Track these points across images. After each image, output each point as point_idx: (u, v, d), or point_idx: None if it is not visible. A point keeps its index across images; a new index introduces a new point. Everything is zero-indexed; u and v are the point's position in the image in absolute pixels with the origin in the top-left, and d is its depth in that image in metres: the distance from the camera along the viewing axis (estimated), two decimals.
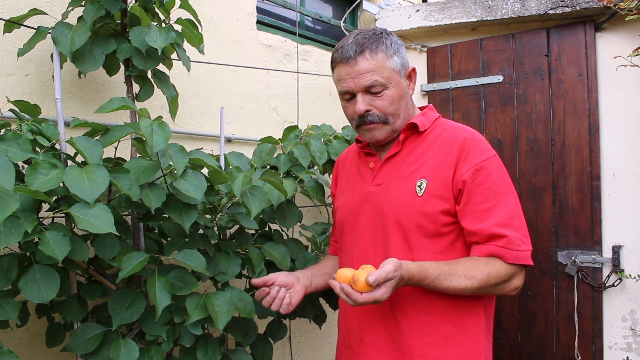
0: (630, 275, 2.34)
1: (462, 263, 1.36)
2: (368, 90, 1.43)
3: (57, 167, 1.19)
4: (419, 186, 1.42)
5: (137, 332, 1.47)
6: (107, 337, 1.40)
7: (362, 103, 1.44)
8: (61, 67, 1.59)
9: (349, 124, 2.30)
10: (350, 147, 1.80)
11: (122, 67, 1.66)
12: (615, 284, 2.41)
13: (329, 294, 1.90)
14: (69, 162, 1.36)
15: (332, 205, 1.80)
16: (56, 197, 1.29)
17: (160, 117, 1.37)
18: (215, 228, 1.69)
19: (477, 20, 2.80)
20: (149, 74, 1.68)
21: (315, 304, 1.86)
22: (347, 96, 1.48)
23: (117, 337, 1.39)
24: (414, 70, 1.52)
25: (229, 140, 2.28)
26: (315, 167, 2.02)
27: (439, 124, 1.53)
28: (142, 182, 1.32)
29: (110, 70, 1.68)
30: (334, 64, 1.49)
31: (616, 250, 2.40)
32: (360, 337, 1.51)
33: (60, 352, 1.41)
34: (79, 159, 1.32)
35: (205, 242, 1.58)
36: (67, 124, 1.50)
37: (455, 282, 1.33)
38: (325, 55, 2.87)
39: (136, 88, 1.67)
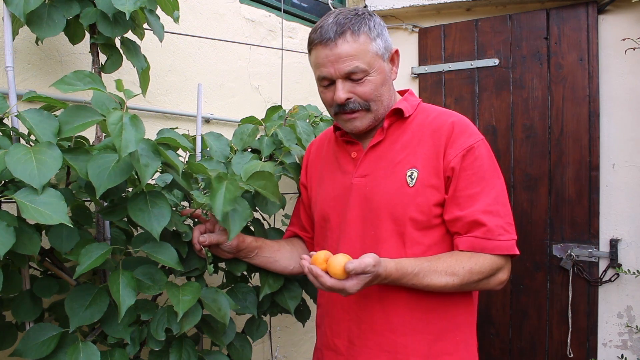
0: (628, 271, 2.25)
1: (443, 259, 1.29)
2: (348, 76, 1.31)
3: (2, 145, 1.01)
4: (410, 176, 1.33)
5: (99, 334, 1.31)
6: (65, 339, 1.22)
7: (342, 90, 1.32)
8: (16, 33, 1.41)
9: None
10: (324, 133, 1.67)
11: (88, 36, 1.48)
12: (612, 279, 2.32)
13: (311, 286, 1.76)
14: (22, 141, 1.19)
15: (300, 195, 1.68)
16: (4, 181, 1.12)
17: (129, 102, 1.19)
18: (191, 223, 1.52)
19: (473, 0, 2.65)
20: (118, 43, 1.50)
21: (296, 296, 1.70)
22: (326, 82, 1.36)
23: (75, 340, 1.22)
24: (397, 52, 1.41)
25: (207, 121, 2.12)
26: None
27: (422, 109, 1.44)
28: (110, 185, 1.09)
29: (74, 37, 1.50)
30: (311, 45, 1.36)
31: (614, 244, 2.31)
32: (349, 339, 1.41)
33: (9, 356, 1.24)
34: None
35: (178, 241, 1.41)
36: (21, 97, 1.31)
37: (435, 279, 1.26)
38: None
39: (103, 59, 1.49)
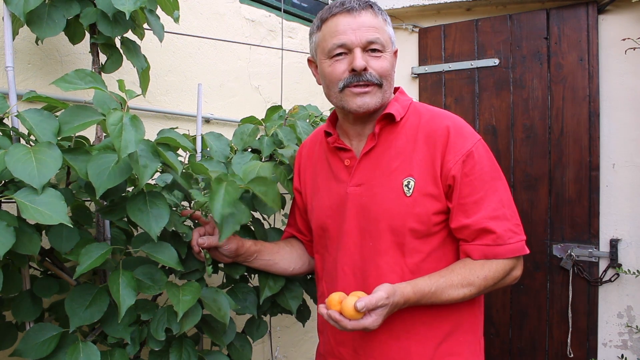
0: (628, 271, 2.25)
1: (456, 271, 1.27)
2: (367, 47, 1.28)
3: (2, 145, 1.01)
4: (407, 185, 1.30)
5: (99, 334, 1.31)
6: (65, 339, 1.22)
7: (360, 59, 1.26)
8: (16, 33, 1.41)
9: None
10: (314, 135, 1.62)
11: (88, 36, 1.48)
12: (612, 279, 2.32)
13: (312, 286, 1.76)
14: (22, 141, 1.19)
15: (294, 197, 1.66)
16: (4, 181, 1.12)
17: (130, 102, 1.19)
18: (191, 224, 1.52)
19: (473, 0, 2.65)
20: (118, 43, 1.50)
21: (297, 296, 1.70)
22: (340, 51, 1.29)
23: (75, 340, 1.21)
24: (396, 51, 1.40)
25: (207, 121, 2.12)
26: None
27: (413, 109, 1.39)
28: (110, 185, 1.10)
29: (74, 37, 1.49)
30: (328, 15, 1.32)
31: (614, 244, 2.31)
32: (353, 348, 1.39)
33: (9, 356, 1.24)
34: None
35: (178, 241, 1.41)
36: (21, 98, 1.31)
37: (453, 293, 1.25)
38: None
39: (103, 59, 1.49)
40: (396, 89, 1.44)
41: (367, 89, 1.29)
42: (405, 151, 1.33)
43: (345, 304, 1.16)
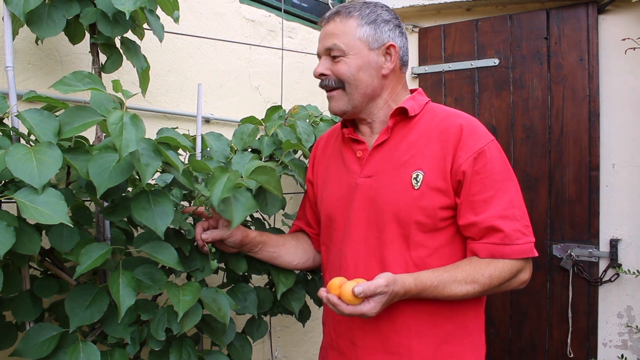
0: (628, 271, 2.25)
1: (461, 267, 1.28)
2: (329, 54, 1.39)
3: (2, 145, 1.01)
4: (415, 178, 1.32)
5: (99, 333, 1.31)
6: (65, 339, 1.22)
7: (320, 65, 1.41)
8: (16, 33, 1.41)
9: None
10: (332, 129, 1.68)
11: (88, 36, 1.48)
12: (612, 279, 2.32)
13: (313, 287, 1.77)
14: (22, 141, 1.19)
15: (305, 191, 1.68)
16: (4, 181, 1.11)
17: (129, 102, 1.18)
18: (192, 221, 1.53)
19: (473, 0, 2.65)
20: (118, 43, 1.50)
21: (300, 297, 1.71)
22: (318, 59, 1.44)
23: (75, 340, 1.21)
24: (392, 46, 1.39)
25: (207, 121, 2.11)
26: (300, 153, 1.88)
27: (429, 108, 1.42)
28: (111, 184, 1.10)
29: (74, 37, 1.49)
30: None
31: (614, 244, 2.31)
32: (351, 340, 1.41)
33: (9, 356, 1.24)
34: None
35: (181, 239, 1.41)
36: (21, 98, 1.31)
37: (456, 289, 1.26)
38: (312, 33, 2.70)
39: (103, 59, 1.49)
40: (414, 90, 1.49)
41: (332, 93, 1.41)
42: (417, 146, 1.35)
43: (344, 289, 1.17)
